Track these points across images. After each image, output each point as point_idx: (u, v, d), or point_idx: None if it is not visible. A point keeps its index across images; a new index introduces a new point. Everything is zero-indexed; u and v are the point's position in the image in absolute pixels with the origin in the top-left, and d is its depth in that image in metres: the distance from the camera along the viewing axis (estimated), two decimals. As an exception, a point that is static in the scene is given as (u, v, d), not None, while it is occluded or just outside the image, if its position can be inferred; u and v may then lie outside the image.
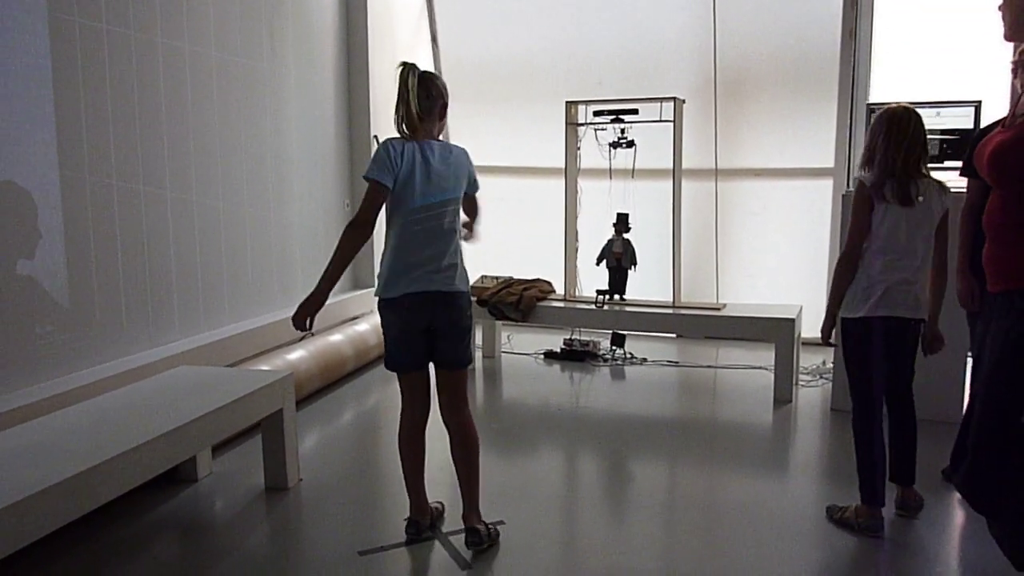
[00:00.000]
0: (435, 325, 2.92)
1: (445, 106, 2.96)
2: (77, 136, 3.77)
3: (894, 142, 3.02)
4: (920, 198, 3.01)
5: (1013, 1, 1.97)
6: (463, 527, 3.04)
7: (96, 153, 3.88)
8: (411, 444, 3.10)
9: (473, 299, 5.37)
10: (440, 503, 3.30)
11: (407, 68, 2.86)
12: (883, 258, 3.06)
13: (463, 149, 2.99)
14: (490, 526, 3.07)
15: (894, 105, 3.10)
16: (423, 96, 2.86)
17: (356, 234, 2.89)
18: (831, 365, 4.83)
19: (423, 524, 3.14)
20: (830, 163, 6.01)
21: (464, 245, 3.04)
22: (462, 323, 2.97)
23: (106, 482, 2.63)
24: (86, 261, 3.84)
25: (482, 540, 2.98)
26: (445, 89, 2.96)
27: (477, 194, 3.10)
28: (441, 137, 3.02)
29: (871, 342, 3.11)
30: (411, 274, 2.88)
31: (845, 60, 5.81)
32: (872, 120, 3.16)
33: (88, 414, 3.11)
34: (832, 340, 3.31)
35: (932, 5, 5.64)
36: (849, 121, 5.84)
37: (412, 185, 2.84)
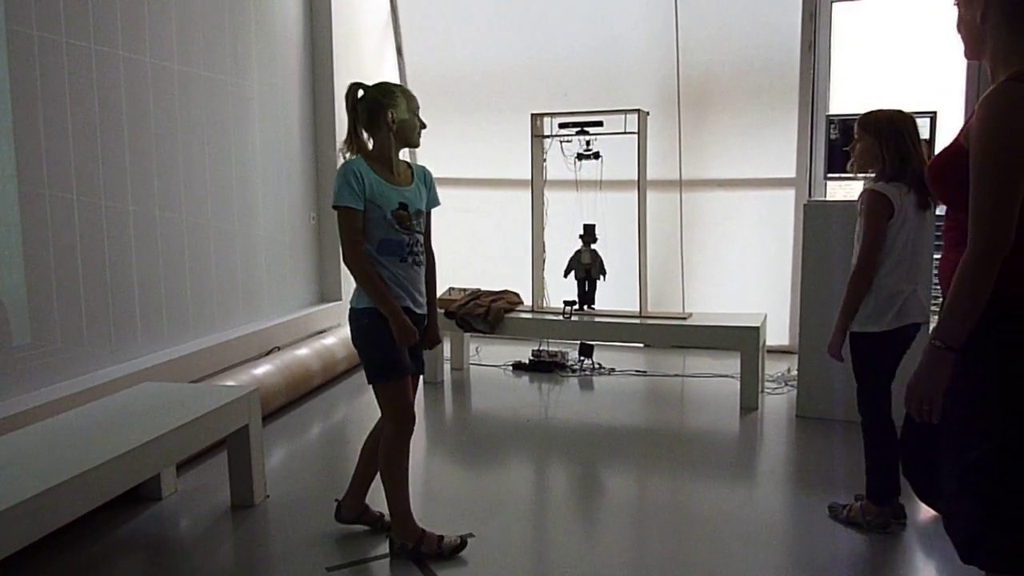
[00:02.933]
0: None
1: (385, 116, 2.91)
2: (36, 150, 3.72)
3: (913, 145, 2.99)
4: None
5: (966, 20, 2.01)
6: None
7: (56, 167, 3.83)
8: (367, 443, 3.18)
9: (441, 311, 5.42)
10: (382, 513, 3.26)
11: (352, 87, 2.92)
12: (902, 268, 3.03)
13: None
14: (418, 541, 3.04)
15: (896, 111, 3.06)
16: (360, 110, 2.91)
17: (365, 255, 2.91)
18: (795, 372, 4.88)
19: (346, 513, 3.22)
20: (792, 173, 6.10)
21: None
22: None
23: (67, 502, 2.58)
24: (46, 276, 3.78)
25: (393, 549, 3.07)
26: (384, 96, 2.90)
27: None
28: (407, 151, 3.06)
29: (889, 353, 3.11)
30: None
31: (805, 72, 5.91)
32: (886, 126, 3.04)
33: (48, 433, 3.05)
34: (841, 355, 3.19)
35: (888, 18, 5.76)
36: (810, 132, 5.93)
37: (381, 201, 2.90)
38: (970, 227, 1.86)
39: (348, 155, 2.92)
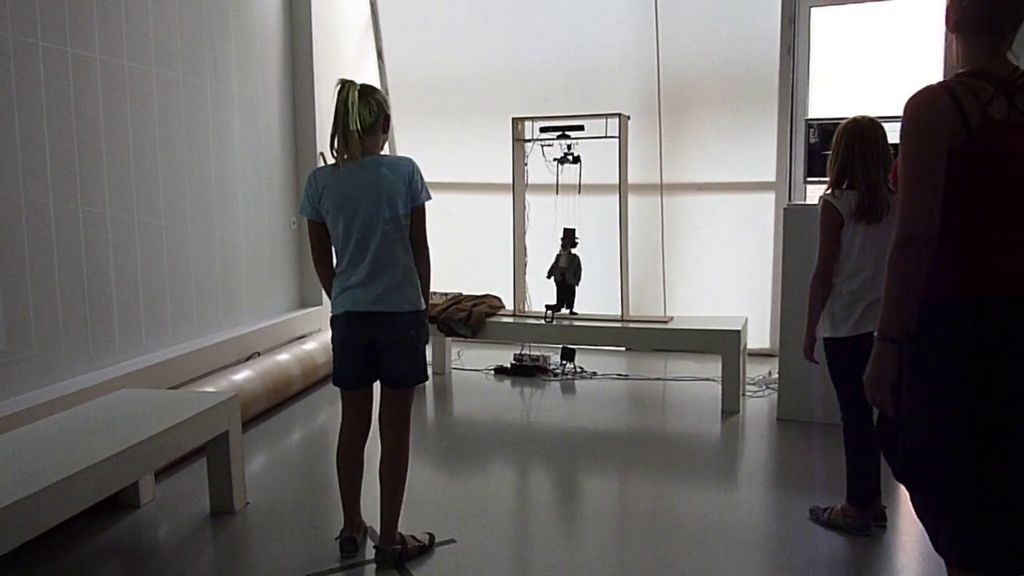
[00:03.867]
0: (379, 343, 2.95)
1: (388, 119, 2.97)
2: (11, 154, 3.67)
3: (871, 159, 3.00)
4: (889, 213, 3.01)
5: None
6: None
7: (31, 172, 3.78)
8: (351, 459, 3.13)
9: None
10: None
11: (346, 85, 2.86)
12: (861, 275, 3.05)
13: (407, 160, 2.98)
14: (402, 544, 3.05)
15: (859, 118, 3.06)
16: (365, 113, 2.86)
17: (320, 271, 3.06)
18: (776, 376, 4.91)
19: (358, 540, 3.14)
20: (772, 177, 6.14)
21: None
22: (404, 342, 2.96)
23: (44, 510, 2.54)
24: (21, 282, 3.73)
25: (386, 559, 3.02)
26: (385, 102, 2.97)
27: (427, 205, 3.02)
28: (386, 150, 3.04)
29: (857, 359, 3.12)
30: (349, 293, 2.94)
31: (784, 76, 5.94)
32: (838, 135, 3.09)
33: (24, 440, 3.01)
34: (815, 358, 3.24)
35: (867, 23, 5.81)
36: (789, 136, 5.97)
37: (341, 207, 2.88)
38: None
39: (343, 157, 2.90)
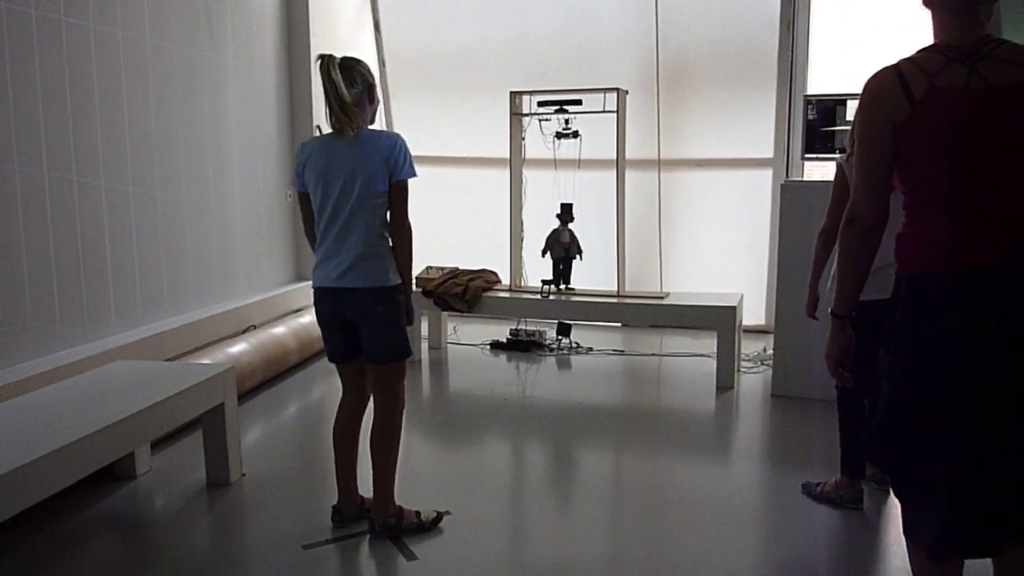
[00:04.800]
0: (350, 319, 2.96)
1: (372, 88, 2.92)
2: (5, 125, 3.64)
3: None
4: None
5: None
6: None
7: (26, 142, 3.75)
8: (343, 433, 3.13)
9: (418, 290, 5.40)
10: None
11: (325, 61, 2.82)
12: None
13: (391, 135, 2.90)
14: (398, 518, 3.04)
15: None
16: (349, 84, 2.82)
17: (309, 242, 3.09)
18: (771, 352, 4.92)
19: (347, 513, 3.13)
20: (769, 154, 6.12)
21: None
22: (372, 319, 2.92)
23: (40, 480, 2.55)
24: (16, 254, 3.72)
25: (375, 530, 3.03)
26: (369, 72, 2.93)
27: (410, 182, 2.90)
28: (376, 122, 3.00)
29: (865, 325, 3.13)
30: (320, 268, 2.96)
31: (783, 52, 5.91)
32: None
33: (19, 411, 3.02)
34: (817, 315, 3.25)
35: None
36: (788, 112, 5.94)
37: (319, 180, 2.88)
38: None
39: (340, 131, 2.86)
